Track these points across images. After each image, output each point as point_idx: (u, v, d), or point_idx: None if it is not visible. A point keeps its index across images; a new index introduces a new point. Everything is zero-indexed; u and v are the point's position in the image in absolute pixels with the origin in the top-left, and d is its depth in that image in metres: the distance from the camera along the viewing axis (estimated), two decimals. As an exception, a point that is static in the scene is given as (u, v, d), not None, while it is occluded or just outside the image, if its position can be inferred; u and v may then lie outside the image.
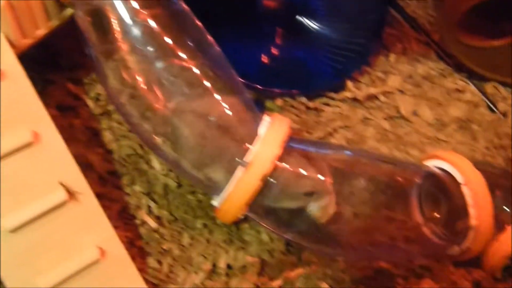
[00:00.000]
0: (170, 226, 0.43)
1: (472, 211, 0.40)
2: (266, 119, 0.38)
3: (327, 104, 0.50)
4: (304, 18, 0.52)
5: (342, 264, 0.43)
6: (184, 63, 0.37)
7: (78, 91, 0.47)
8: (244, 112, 0.39)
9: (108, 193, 0.44)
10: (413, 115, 0.51)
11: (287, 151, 0.38)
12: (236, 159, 0.37)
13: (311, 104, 0.50)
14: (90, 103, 0.47)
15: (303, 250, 0.43)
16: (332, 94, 0.50)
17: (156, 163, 0.45)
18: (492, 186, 0.43)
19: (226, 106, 0.38)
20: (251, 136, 0.37)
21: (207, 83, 0.38)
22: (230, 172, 0.37)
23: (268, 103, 0.49)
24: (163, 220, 0.44)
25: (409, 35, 0.56)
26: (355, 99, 0.51)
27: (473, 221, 0.41)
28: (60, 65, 0.48)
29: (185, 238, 0.43)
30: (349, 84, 0.51)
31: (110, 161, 0.46)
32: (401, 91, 0.52)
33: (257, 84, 0.49)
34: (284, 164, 0.37)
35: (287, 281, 0.41)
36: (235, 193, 0.36)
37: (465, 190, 0.41)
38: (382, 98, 0.51)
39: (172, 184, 0.44)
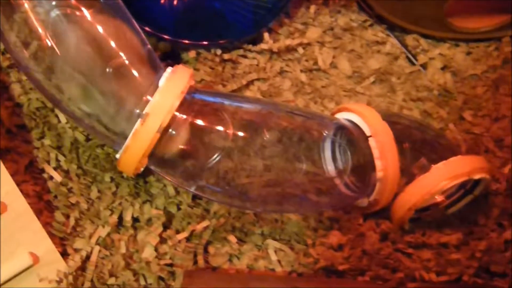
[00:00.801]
0: (78, 180, 0.43)
1: (378, 163, 0.41)
2: (167, 70, 0.38)
3: (244, 56, 0.50)
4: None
5: (252, 216, 0.43)
6: (80, 12, 0.36)
7: (-17, 44, 0.45)
8: (145, 64, 0.38)
9: (16, 147, 0.43)
10: (331, 67, 0.51)
11: (189, 103, 0.38)
12: (136, 111, 0.36)
13: (226, 56, 0.49)
14: (-3, 55, 0.45)
15: (212, 202, 0.43)
16: (249, 46, 0.50)
17: (65, 117, 0.44)
18: (402, 138, 0.43)
19: (125, 58, 0.37)
20: (152, 89, 0.37)
21: (103, 32, 0.37)
22: (130, 125, 0.36)
23: (183, 55, 0.49)
24: (71, 174, 0.43)
25: (330, -14, 0.55)
26: (272, 51, 0.50)
27: (379, 173, 0.41)
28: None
29: (93, 191, 0.43)
30: (267, 35, 0.50)
31: (19, 114, 0.45)
32: (321, 43, 0.52)
33: (172, 35, 0.48)
34: (184, 115, 0.37)
35: (194, 233, 0.41)
36: (133, 144, 0.36)
37: (372, 142, 0.41)
38: (300, 50, 0.51)
39: (81, 137, 0.44)
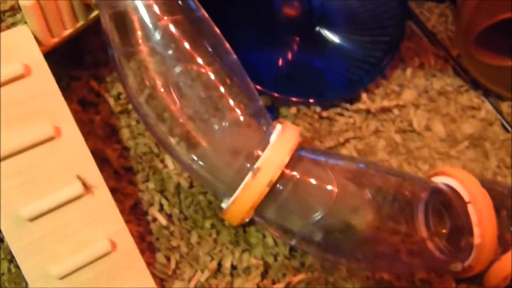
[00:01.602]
0: (180, 224, 0.45)
1: (476, 229, 0.41)
2: (277, 127, 0.40)
3: (341, 114, 0.51)
4: (323, 29, 0.53)
5: (344, 272, 0.44)
6: (201, 69, 0.39)
7: (100, 88, 0.48)
8: (257, 120, 0.40)
9: (122, 188, 0.46)
10: (425, 129, 0.52)
11: (297, 159, 0.39)
12: (246, 164, 0.38)
13: (324, 113, 0.51)
14: (111, 100, 0.48)
15: (307, 255, 0.44)
16: (346, 105, 0.51)
17: (170, 162, 0.46)
18: (499, 206, 0.43)
19: (239, 113, 0.39)
20: (262, 143, 0.39)
21: (222, 89, 0.39)
22: (240, 177, 0.38)
23: (283, 110, 0.51)
24: (173, 217, 0.45)
25: (427, 50, 0.56)
26: (368, 111, 0.52)
27: (476, 239, 0.41)
28: (85, 62, 0.49)
29: (193, 236, 0.44)
30: (364, 95, 0.52)
31: (127, 157, 0.47)
32: (415, 105, 0.53)
33: (273, 92, 0.50)
34: (291, 172, 0.39)
35: (289, 285, 0.43)
36: (242, 197, 0.38)
37: (470, 208, 0.42)
38: (395, 111, 0.52)
39: (185, 183, 0.46)
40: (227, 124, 0.39)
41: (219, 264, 0.43)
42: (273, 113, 0.51)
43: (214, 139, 0.39)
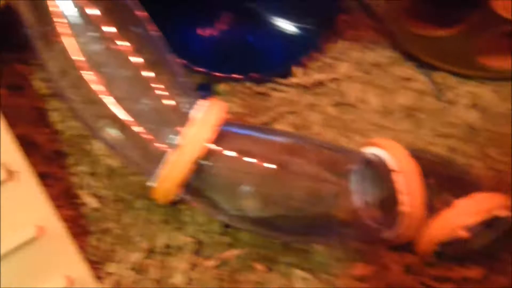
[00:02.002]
0: (112, 205, 0.44)
1: (405, 198, 0.42)
2: (202, 103, 0.39)
3: (275, 90, 0.51)
4: (255, 4, 0.53)
5: (278, 245, 0.44)
6: (122, 47, 0.38)
7: (26, 71, 0.47)
8: (181, 97, 0.39)
9: (53, 173, 0.45)
10: (360, 102, 0.52)
11: (224, 135, 0.39)
12: (169, 141, 0.38)
13: (258, 88, 0.50)
14: (39, 84, 0.47)
15: (240, 231, 0.44)
16: (280, 80, 0.51)
17: (100, 145, 0.46)
18: (427, 174, 0.44)
19: (163, 91, 0.39)
20: (187, 120, 0.38)
21: (145, 67, 0.38)
22: (164, 154, 0.38)
23: (216, 87, 0.50)
24: (105, 200, 0.45)
25: (361, 22, 0.56)
26: (302, 85, 0.52)
27: (405, 208, 0.42)
28: (10, 45, 0.48)
29: (126, 217, 0.44)
30: (297, 70, 0.52)
31: (57, 141, 0.46)
32: (350, 78, 0.53)
33: (207, 69, 0.50)
34: (217, 147, 0.38)
35: (222, 261, 0.43)
36: (167, 175, 0.37)
37: (399, 177, 0.42)
38: (330, 84, 0.52)
39: (116, 165, 0.45)
40: (150, 102, 0.38)
41: (152, 244, 0.43)
42: (208, 90, 0.51)
43: (138, 117, 0.38)
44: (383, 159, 0.44)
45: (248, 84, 0.50)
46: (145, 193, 0.45)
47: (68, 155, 0.46)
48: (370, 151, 0.45)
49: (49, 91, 0.47)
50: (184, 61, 0.49)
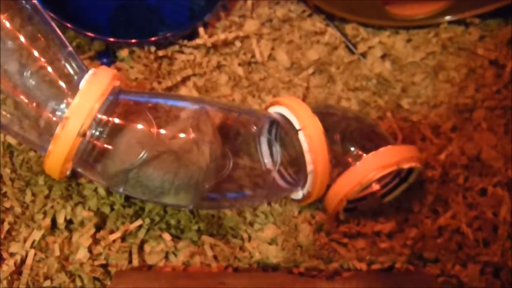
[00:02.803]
0: (12, 184, 0.43)
1: (308, 156, 0.41)
2: (88, 72, 0.38)
3: (180, 52, 0.50)
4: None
5: (187, 213, 0.43)
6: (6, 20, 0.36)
7: None
8: (66, 67, 0.38)
9: None
10: (269, 60, 0.51)
11: (113, 104, 0.38)
12: (56, 114, 0.36)
13: (161, 52, 0.49)
14: None
15: (146, 201, 0.43)
16: (185, 42, 0.50)
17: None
18: (335, 129, 0.43)
19: (45, 61, 0.37)
20: (73, 91, 0.37)
21: (24, 37, 0.36)
22: (53, 128, 0.36)
23: (118, 54, 0.48)
24: (5, 178, 0.43)
25: (270, -23, 0.55)
26: (209, 46, 0.50)
27: (309, 166, 0.41)
28: None
29: (27, 195, 0.43)
30: (202, 30, 0.50)
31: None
32: (258, 36, 0.52)
33: (108, 36, 0.48)
34: (107, 117, 0.37)
35: (128, 233, 0.42)
36: (54, 149, 0.36)
37: (301, 136, 0.41)
38: (237, 43, 0.51)
39: (14, 141, 0.44)
40: (33, 73, 0.36)
41: (54, 220, 0.42)
42: (109, 58, 0.49)
43: (21, 91, 0.37)
44: (287, 118, 0.43)
45: (150, 48, 0.49)
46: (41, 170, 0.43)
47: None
48: (275, 110, 0.44)
49: None
50: (80, 28, 0.47)
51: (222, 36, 0.50)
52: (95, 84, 0.37)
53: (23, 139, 0.39)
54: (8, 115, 0.38)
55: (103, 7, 0.49)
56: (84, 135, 0.36)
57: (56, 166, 0.37)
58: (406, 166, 0.42)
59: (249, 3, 0.53)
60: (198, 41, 0.49)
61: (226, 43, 0.51)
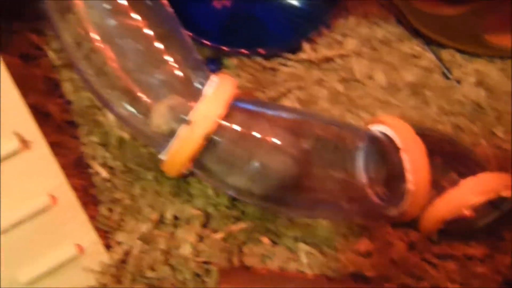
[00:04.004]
0: (122, 176, 0.45)
1: (410, 176, 0.42)
2: (213, 79, 0.40)
3: (284, 65, 0.52)
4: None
5: (284, 220, 0.45)
6: (137, 22, 0.39)
7: (40, 41, 0.48)
8: (193, 72, 0.40)
9: (65, 142, 0.46)
10: (367, 78, 0.53)
11: (234, 111, 0.40)
12: (181, 116, 0.38)
13: (267, 63, 0.51)
14: (52, 54, 0.48)
15: (248, 205, 0.45)
16: (289, 55, 0.52)
17: (112, 116, 0.46)
18: (433, 152, 0.44)
19: (175, 65, 0.39)
20: (198, 96, 0.39)
21: (158, 42, 0.39)
22: (176, 130, 0.39)
23: (226, 61, 0.51)
24: (116, 170, 0.45)
25: (371, -1, 0.56)
26: (311, 61, 0.52)
27: (410, 185, 0.42)
28: (25, 15, 0.48)
29: (136, 188, 0.45)
30: (306, 45, 0.52)
31: (69, 111, 0.47)
32: (358, 54, 0.53)
33: (216, 43, 0.50)
34: (228, 123, 0.39)
35: (230, 234, 0.44)
36: (178, 149, 0.38)
37: (404, 155, 0.43)
38: (338, 60, 0.53)
39: (127, 136, 0.46)
40: (163, 77, 0.39)
41: (161, 215, 0.44)
42: (217, 64, 0.51)
43: (150, 92, 0.39)
44: (389, 137, 0.44)
45: (256, 59, 0.51)
46: (155, 165, 0.45)
47: (80, 125, 0.47)
48: (376, 128, 0.46)
49: (62, 61, 0.48)
50: (192, 35, 0.49)
51: (324, 52, 0.52)
52: (220, 90, 0.39)
53: (142, 136, 0.42)
54: (132, 112, 0.40)
55: (214, 16, 0.52)
56: (207, 138, 0.38)
57: (177, 165, 0.39)
58: (505, 194, 0.43)
59: (351, 22, 0.55)
60: (302, 55, 0.51)
61: (327, 59, 0.53)
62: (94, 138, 0.46)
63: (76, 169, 0.45)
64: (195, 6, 0.50)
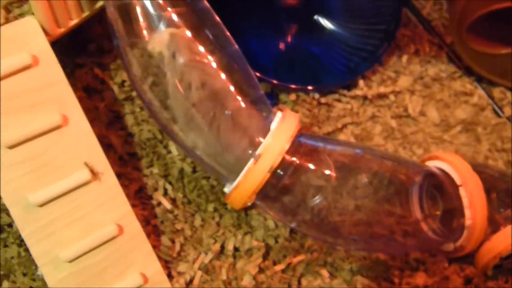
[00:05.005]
0: (183, 207, 0.46)
1: (467, 211, 0.43)
2: (277, 114, 0.41)
3: (339, 100, 0.53)
4: (321, 17, 0.54)
5: (342, 252, 0.46)
6: (203, 58, 0.40)
7: (104, 75, 0.49)
8: (257, 107, 0.41)
9: (127, 174, 0.47)
10: (420, 115, 0.54)
11: (296, 146, 0.41)
12: (248, 150, 0.40)
13: (323, 99, 0.52)
14: (115, 87, 0.49)
15: (306, 237, 0.46)
16: (344, 91, 0.53)
17: (173, 148, 0.48)
18: (489, 188, 0.45)
19: (241, 101, 0.41)
20: (263, 130, 0.40)
21: (225, 78, 0.40)
22: (242, 162, 0.40)
23: (282, 97, 0.52)
24: (177, 201, 0.47)
25: (422, 37, 0.58)
26: (365, 97, 0.53)
27: (468, 221, 0.43)
28: (89, 49, 0.50)
29: (197, 220, 0.46)
30: (361, 82, 0.53)
31: (131, 143, 0.49)
32: (411, 91, 0.54)
33: (273, 78, 0.51)
34: (292, 158, 0.40)
35: (290, 266, 0.44)
36: (244, 182, 0.39)
37: (462, 191, 0.43)
38: (391, 97, 0.54)
39: (188, 168, 0.47)
40: (229, 111, 0.40)
41: (222, 246, 0.45)
42: (273, 99, 0.52)
43: (217, 126, 0.40)
44: (446, 173, 0.45)
45: (313, 95, 0.52)
46: (216, 196, 0.47)
47: (142, 157, 0.48)
48: (433, 164, 0.47)
49: (124, 95, 0.49)
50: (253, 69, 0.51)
51: (378, 89, 0.53)
52: (285, 126, 0.40)
53: (204, 165, 0.43)
54: (197, 143, 0.41)
55: (269, 51, 0.53)
56: (273, 172, 0.39)
57: (242, 197, 0.40)
58: (562, 231, 0.43)
59: (403, 60, 0.56)
60: (357, 91, 0.53)
61: (381, 96, 0.54)
62: (155, 170, 0.48)
63: (138, 199, 0.47)
64: (252, 41, 0.52)
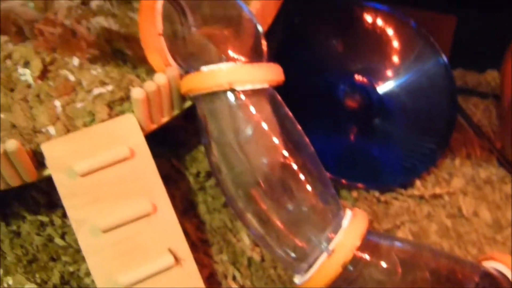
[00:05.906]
0: (243, 297, 0.50)
1: (525, 313, 0.45)
2: (348, 212, 0.45)
3: (396, 199, 0.56)
4: (381, 120, 0.59)
5: None
6: (286, 160, 0.44)
7: (180, 166, 0.54)
8: (329, 204, 0.45)
9: (199, 259, 0.50)
10: (473, 215, 0.57)
11: (365, 242, 0.44)
12: (320, 245, 0.43)
13: (382, 197, 0.56)
14: (190, 178, 0.54)
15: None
16: (401, 190, 0.57)
17: (244, 237, 0.51)
18: (543, 290, 0.47)
19: (316, 199, 0.44)
20: (335, 227, 0.44)
21: (302, 177, 0.44)
22: (313, 256, 0.43)
23: (343, 193, 0.56)
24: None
25: (473, 141, 0.62)
26: (421, 196, 0.57)
27: (526, 322, 0.45)
28: (166, 141, 0.55)
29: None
30: (417, 182, 0.57)
31: (203, 230, 0.52)
32: (464, 192, 0.58)
33: (335, 176, 0.55)
34: (361, 254, 0.43)
35: None
36: (317, 276, 0.42)
37: (520, 292, 0.46)
38: (446, 197, 0.57)
39: (256, 257, 0.51)
40: (305, 208, 0.44)
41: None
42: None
43: (292, 221, 0.44)
44: (503, 274, 0.48)
45: (373, 192, 0.56)
46: (283, 286, 0.49)
47: (213, 244, 0.51)
48: (488, 264, 0.49)
49: (199, 185, 0.53)
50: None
51: (434, 189, 0.57)
52: (356, 223, 0.44)
53: (275, 254, 0.46)
54: (270, 234, 0.45)
55: (332, 150, 0.57)
56: (345, 267, 0.42)
57: (316, 289, 0.43)
58: None
59: (456, 162, 0.60)
60: (414, 191, 0.56)
61: (436, 196, 0.57)
62: (225, 257, 0.51)
63: (209, 284, 0.50)
64: (317, 141, 0.56)
